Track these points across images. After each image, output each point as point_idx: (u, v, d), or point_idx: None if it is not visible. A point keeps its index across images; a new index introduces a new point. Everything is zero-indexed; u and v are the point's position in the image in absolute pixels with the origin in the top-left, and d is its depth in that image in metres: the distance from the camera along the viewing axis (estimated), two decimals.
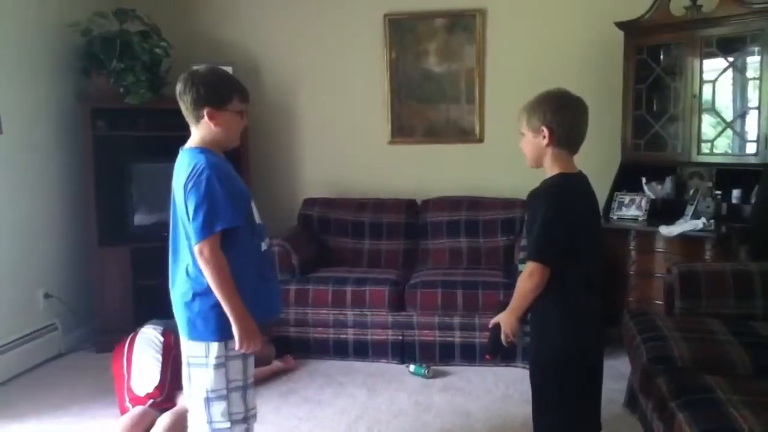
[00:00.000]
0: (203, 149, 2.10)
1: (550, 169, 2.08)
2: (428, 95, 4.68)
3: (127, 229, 4.22)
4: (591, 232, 2.11)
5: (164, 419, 2.97)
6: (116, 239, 4.21)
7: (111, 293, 4.15)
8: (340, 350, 3.94)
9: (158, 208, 4.22)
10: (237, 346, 2.09)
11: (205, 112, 2.08)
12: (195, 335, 2.13)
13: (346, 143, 4.79)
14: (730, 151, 3.89)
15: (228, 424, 2.15)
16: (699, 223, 3.56)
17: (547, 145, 2.05)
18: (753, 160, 3.66)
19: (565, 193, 2.04)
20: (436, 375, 3.67)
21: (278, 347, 3.87)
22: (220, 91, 2.11)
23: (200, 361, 2.13)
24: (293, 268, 4.01)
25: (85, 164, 4.13)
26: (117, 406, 3.21)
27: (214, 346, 2.11)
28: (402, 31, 4.64)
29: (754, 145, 3.66)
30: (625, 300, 3.84)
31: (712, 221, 3.58)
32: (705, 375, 2.38)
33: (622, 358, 3.28)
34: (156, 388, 3.15)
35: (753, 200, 3.63)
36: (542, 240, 2.00)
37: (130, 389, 3.17)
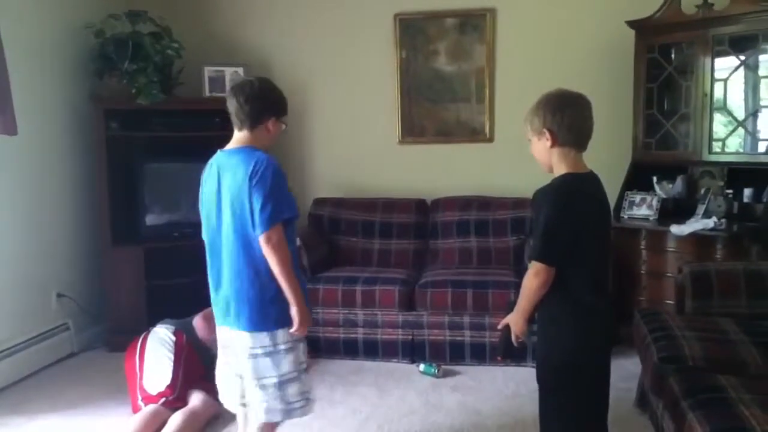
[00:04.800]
0: (256, 148, 2.30)
1: (558, 169, 2.07)
2: (438, 95, 4.68)
3: (140, 229, 4.25)
4: (598, 231, 2.09)
5: (176, 418, 3.00)
6: (129, 239, 4.24)
7: (123, 293, 4.18)
8: (351, 350, 3.95)
9: (171, 208, 4.28)
10: (295, 328, 2.25)
11: (270, 121, 2.33)
12: (258, 326, 2.26)
13: (356, 143, 4.80)
14: (741, 150, 3.86)
15: (303, 402, 2.34)
16: (710, 223, 3.55)
17: (552, 146, 2.05)
18: (765, 159, 3.64)
19: (570, 192, 2.02)
20: (446, 374, 3.68)
21: None
22: (283, 103, 2.40)
23: (270, 349, 2.27)
24: (304, 268, 4.00)
25: (98, 165, 4.16)
26: (129, 404, 3.23)
27: (279, 333, 2.27)
28: (412, 31, 4.65)
29: (766, 143, 3.64)
30: (635, 299, 3.84)
31: (723, 220, 3.56)
32: (717, 374, 2.37)
33: (632, 357, 3.28)
34: (168, 386, 3.16)
35: (765, 199, 3.61)
36: (546, 239, 2.00)
37: (142, 388, 3.19)
